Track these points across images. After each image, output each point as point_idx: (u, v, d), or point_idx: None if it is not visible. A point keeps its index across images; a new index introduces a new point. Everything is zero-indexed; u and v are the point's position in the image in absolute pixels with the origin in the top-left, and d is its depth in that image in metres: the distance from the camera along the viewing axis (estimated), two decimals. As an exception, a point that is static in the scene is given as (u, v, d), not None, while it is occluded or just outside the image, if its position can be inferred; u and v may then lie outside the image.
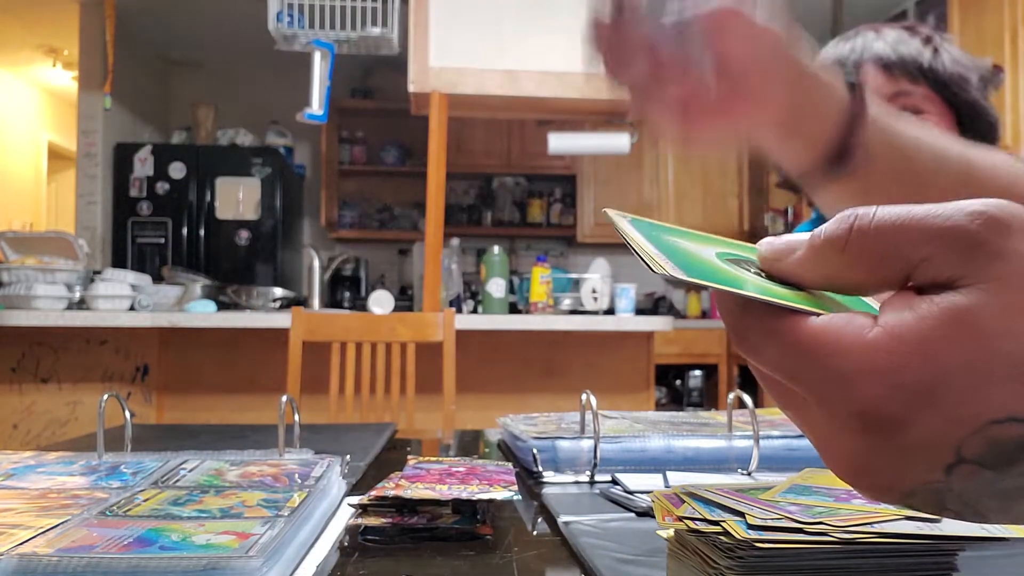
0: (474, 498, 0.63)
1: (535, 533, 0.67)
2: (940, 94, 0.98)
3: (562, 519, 0.66)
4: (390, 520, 0.62)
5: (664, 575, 0.50)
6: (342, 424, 1.49)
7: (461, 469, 0.73)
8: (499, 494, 0.63)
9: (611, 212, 0.31)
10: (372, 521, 0.62)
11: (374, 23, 2.54)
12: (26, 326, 2.38)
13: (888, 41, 0.99)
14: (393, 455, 1.05)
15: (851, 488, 0.29)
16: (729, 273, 0.29)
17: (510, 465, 0.77)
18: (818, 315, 0.26)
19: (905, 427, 0.25)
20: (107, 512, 0.57)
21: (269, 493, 0.63)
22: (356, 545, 0.60)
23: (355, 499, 0.66)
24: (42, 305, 2.42)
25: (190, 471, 0.72)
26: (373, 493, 0.64)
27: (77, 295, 2.55)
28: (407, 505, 0.64)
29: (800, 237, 0.28)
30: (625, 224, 0.30)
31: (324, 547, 0.59)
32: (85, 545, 0.48)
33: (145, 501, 0.60)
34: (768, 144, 0.56)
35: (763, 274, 0.29)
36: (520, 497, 0.65)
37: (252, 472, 0.71)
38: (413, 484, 0.66)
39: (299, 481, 0.68)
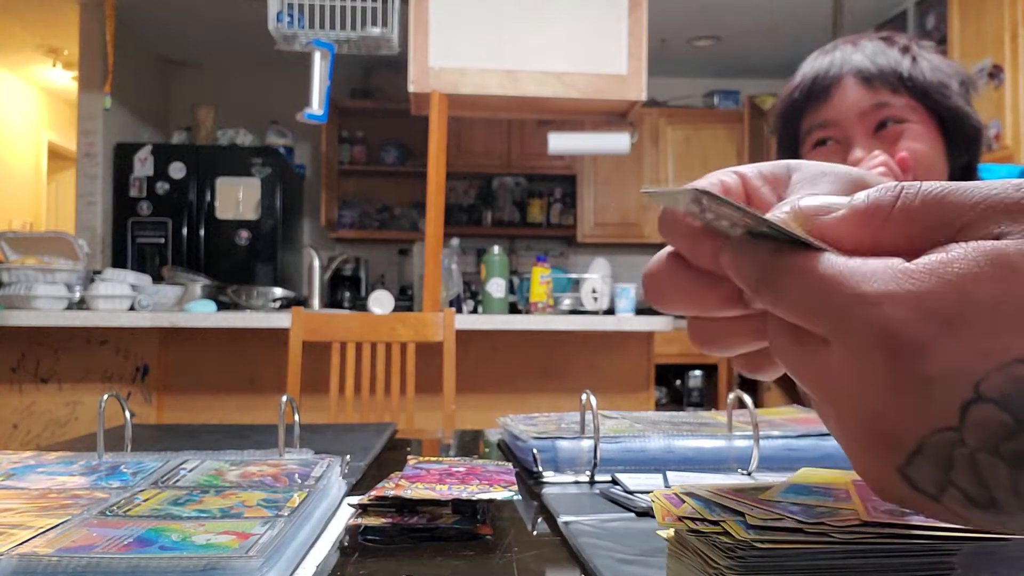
0: (474, 498, 0.62)
1: (535, 533, 0.67)
2: (922, 102, 1.00)
3: (562, 519, 0.66)
4: (390, 520, 0.62)
5: (664, 575, 0.50)
6: (342, 424, 1.49)
7: (461, 469, 0.73)
8: (499, 494, 0.63)
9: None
10: (372, 521, 0.62)
11: (374, 23, 2.54)
12: (26, 326, 2.38)
13: (866, 53, 1.01)
14: (393, 455, 1.05)
15: (857, 471, 0.28)
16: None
17: (510, 465, 0.77)
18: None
19: (928, 354, 0.25)
20: (107, 512, 0.57)
21: (269, 493, 0.63)
22: (356, 545, 0.60)
23: (355, 499, 0.66)
24: (42, 305, 2.42)
25: (190, 471, 0.72)
26: (373, 493, 0.64)
27: (77, 295, 2.55)
28: (407, 505, 0.64)
29: (838, 199, 0.29)
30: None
31: (324, 547, 0.59)
32: (85, 545, 0.48)
33: (145, 501, 0.60)
34: None
35: None
36: (520, 497, 0.65)
37: (252, 472, 0.71)
38: (413, 484, 0.66)
39: (299, 481, 0.68)
